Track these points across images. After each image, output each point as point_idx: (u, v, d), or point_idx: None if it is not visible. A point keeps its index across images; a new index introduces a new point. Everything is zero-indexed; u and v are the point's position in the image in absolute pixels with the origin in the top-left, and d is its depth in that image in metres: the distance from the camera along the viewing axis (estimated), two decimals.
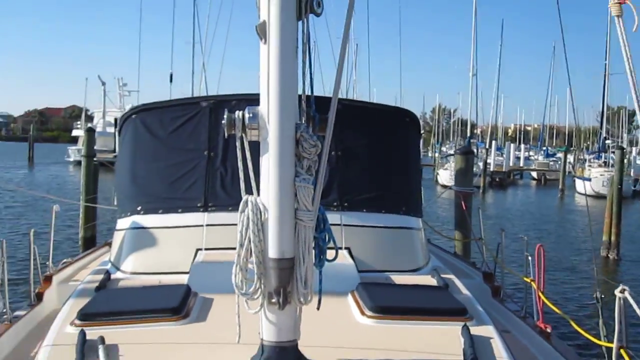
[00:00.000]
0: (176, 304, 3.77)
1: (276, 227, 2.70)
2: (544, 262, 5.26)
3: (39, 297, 5.55)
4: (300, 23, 2.71)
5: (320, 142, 2.72)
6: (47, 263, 6.37)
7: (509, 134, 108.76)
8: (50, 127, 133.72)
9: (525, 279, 5.61)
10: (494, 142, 55.82)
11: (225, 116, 2.77)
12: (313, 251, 2.80)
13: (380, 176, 5.63)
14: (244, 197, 2.78)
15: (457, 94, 63.52)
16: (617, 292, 3.82)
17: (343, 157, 5.48)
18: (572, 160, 55.41)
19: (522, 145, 70.97)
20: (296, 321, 2.83)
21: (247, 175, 2.83)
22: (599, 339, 4.61)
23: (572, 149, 68.04)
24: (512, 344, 4.98)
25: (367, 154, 5.66)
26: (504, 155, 55.21)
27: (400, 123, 6.02)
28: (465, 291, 4.61)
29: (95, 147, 16.13)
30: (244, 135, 2.76)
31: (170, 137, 5.57)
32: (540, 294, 5.14)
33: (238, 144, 2.79)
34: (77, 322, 3.61)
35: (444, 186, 37.26)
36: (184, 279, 4.44)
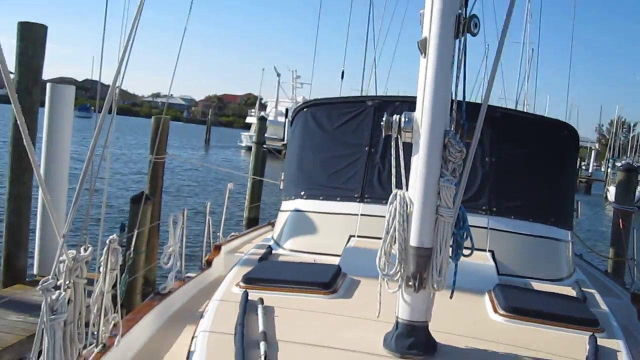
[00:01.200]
0: (327, 280, 4.23)
1: (419, 220, 3.06)
2: None
3: (209, 263, 6.31)
4: (457, 41, 3.04)
5: (465, 148, 3.04)
6: (218, 234, 7.15)
7: None
8: (226, 112, 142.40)
9: None
10: None
11: (384, 118, 3.18)
12: (450, 245, 3.13)
13: (532, 186, 5.73)
14: (394, 190, 3.17)
15: None
16: None
17: (497, 164, 5.67)
18: None
19: None
20: (429, 305, 3.17)
21: (398, 172, 3.21)
22: None
23: None
24: None
25: (520, 163, 5.79)
26: None
27: (558, 136, 6.08)
28: (604, 306, 4.63)
29: (265, 135, 17.31)
30: (399, 136, 3.15)
31: (336, 131, 6.06)
32: None
33: (393, 143, 3.19)
34: (242, 284, 4.20)
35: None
36: (335, 261, 4.90)
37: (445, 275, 3.12)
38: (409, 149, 3.17)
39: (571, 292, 4.86)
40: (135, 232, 4.53)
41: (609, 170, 55.37)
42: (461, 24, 3.01)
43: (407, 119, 3.11)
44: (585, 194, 52.74)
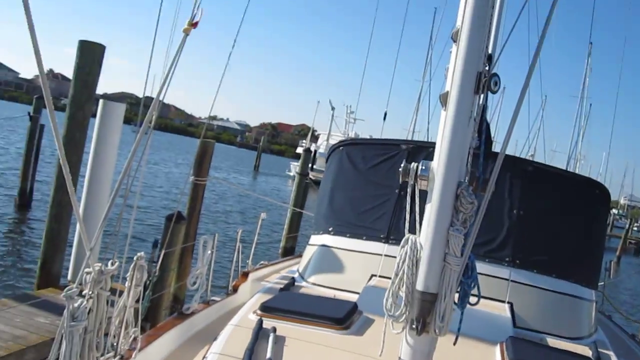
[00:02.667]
0: (341, 315, 4.33)
1: (426, 265, 3.15)
2: None
3: (235, 289, 6.47)
4: (477, 97, 3.16)
5: (477, 201, 3.14)
6: (247, 261, 7.33)
7: None
8: (279, 140, 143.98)
9: None
10: None
11: (402, 165, 3.31)
12: (456, 292, 3.21)
13: (558, 242, 5.72)
14: (407, 235, 3.28)
15: None
16: None
17: (524, 217, 5.69)
18: None
19: None
20: (430, 349, 3.24)
21: (412, 217, 3.32)
22: None
23: None
24: None
25: (548, 218, 5.78)
26: None
27: (589, 194, 6.07)
28: None
29: (315, 166, 17.60)
30: (415, 183, 3.27)
31: (369, 171, 6.19)
32: None
33: (409, 190, 3.31)
34: (259, 312, 4.34)
35: None
36: (354, 298, 5.01)
37: (449, 321, 3.19)
38: (425, 195, 3.28)
39: (587, 351, 4.83)
40: (163, 251, 4.68)
41: None
42: (482, 82, 3.13)
43: (424, 167, 3.23)
44: (635, 255, 51.26)
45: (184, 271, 8.48)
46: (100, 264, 3.24)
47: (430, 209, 3.16)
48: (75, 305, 2.95)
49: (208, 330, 5.33)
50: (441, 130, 3.17)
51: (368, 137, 75.43)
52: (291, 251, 14.88)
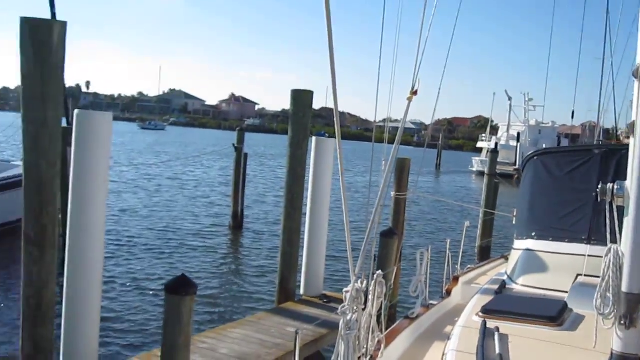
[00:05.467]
0: (554, 314, 4.89)
1: (629, 269, 3.71)
2: None
3: (448, 292, 7.24)
4: None
5: None
6: (456, 267, 8.05)
7: None
8: (456, 135, 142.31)
9: None
10: None
11: (599, 187, 3.89)
12: None
13: None
14: (609, 245, 3.85)
15: None
16: None
17: None
18: None
19: None
20: (639, 341, 3.79)
21: (613, 230, 3.88)
22: None
23: None
24: None
25: None
26: None
27: None
28: None
29: (498, 159, 17.84)
30: (612, 201, 3.85)
31: (565, 177, 6.63)
32: None
33: (607, 207, 3.88)
34: (481, 314, 5.04)
35: None
36: (563, 296, 5.54)
37: None
38: (622, 208, 3.85)
39: None
40: (394, 268, 5.52)
41: None
42: None
43: (619, 187, 3.81)
44: None
45: (395, 280, 9.46)
46: (358, 284, 4.19)
47: (628, 222, 3.73)
48: (348, 318, 3.92)
49: (433, 330, 6.18)
50: (632, 156, 3.72)
51: (550, 123, 71.28)
52: (487, 251, 15.31)
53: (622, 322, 3.76)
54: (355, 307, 4.12)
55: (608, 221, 3.91)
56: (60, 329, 6.59)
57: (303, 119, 8.89)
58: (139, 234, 17.94)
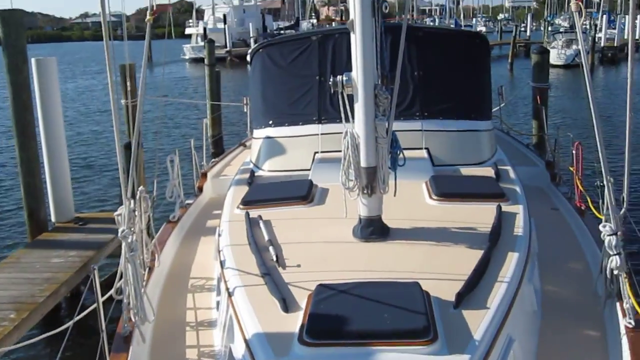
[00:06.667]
0: (304, 193, 5.53)
1: (364, 147, 4.40)
2: (582, 155, 6.59)
3: (200, 189, 7.65)
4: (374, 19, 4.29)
5: (389, 94, 4.35)
6: (202, 163, 8.42)
7: None
8: (161, 23, 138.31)
9: (570, 168, 6.98)
10: (604, 16, 52.88)
11: (331, 80, 4.42)
12: (388, 161, 4.49)
13: (454, 89, 6.97)
14: (345, 127, 4.45)
15: None
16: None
17: (424, 76, 6.87)
18: None
19: None
20: (379, 204, 4.55)
21: (346, 113, 4.48)
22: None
23: None
24: (556, 219, 6.49)
25: (443, 72, 7.00)
26: (616, 28, 52.20)
27: (471, 45, 7.34)
28: (514, 179, 5.92)
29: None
30: (343, 90, 4.43)
31: (290, 66, 7.14)
32: (577, 180, 6.56)
33: (340, 97, 4.45)
34: (242, 206, 5.45)
35: (553, 65, 36.14)
36: (307, 175, 6.18)
37: (387, 182, 4.50)
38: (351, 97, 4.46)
39: (490, 171, 6.13)
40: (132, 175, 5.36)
41: (548, 29, 56.51)
42: (375, 7, 4.26)
43: (347, 78, 4.38)
44: (526, 57, 54.00)
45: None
46: (128, 205, 4.33)
47: (358, 108, 4.37)
48: (129, 240, 4.10)
49: (197, 227, 6.68)
50: (354, 51, 4.31)
51: (252, 1, 72.97)
52: (220, 142, 15.82)
53: (365, 191, 4.50)
54: (132, 228, 4.30)
55: (341, 108, 4.46)
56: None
57: (17, 42, 8.15)
58: None
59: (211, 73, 16.77)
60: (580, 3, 4.35)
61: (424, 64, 6.94)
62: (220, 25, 61.68)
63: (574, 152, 6.79)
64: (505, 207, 5.05)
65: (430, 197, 5.41)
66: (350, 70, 4.40)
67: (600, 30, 51.07)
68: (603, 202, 4.46)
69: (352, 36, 4.32)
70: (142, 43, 4.80)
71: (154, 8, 4.99)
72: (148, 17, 4.65)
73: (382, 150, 4.42)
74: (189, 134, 20.13)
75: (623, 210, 4.33)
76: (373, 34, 4.31)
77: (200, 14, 74.07)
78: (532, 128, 12.61)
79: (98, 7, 4.10)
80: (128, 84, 10.73)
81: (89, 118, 28.01)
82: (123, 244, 4.12)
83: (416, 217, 4.98)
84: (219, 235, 5.15)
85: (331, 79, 4.45)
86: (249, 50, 8.18)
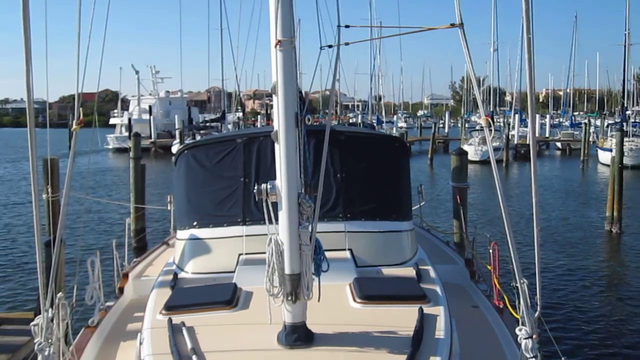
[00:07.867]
0: (229, 297, 5.46)
1: (289, 254, 4.45)
2: (498, 254, 6.88)
3: (121, 290, 7.41)
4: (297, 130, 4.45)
5: (313, 202, 4.46)
6: (124, 264, 8.22)
7: (541, 100, 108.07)
8: (85, 111, 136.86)
9: (488, 267, 7.22)
10: (517, 115, 55.98)
11: (255, 187, 4.50)
12: (312, 267, 4.55)
13: (375, 191, 7.16)
14: (269, 236, 4.51)
15: (485, 63, 62.60)
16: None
17: (346, 178, 7.04)
18: (600, 126, 55.47)
19: (548, 116, 70.33)
20: (304, 310, 4.56)
21: (270, 220, 4.54)
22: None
23: (604, 112, 67.34)
24: (476, 317, 6.63)
25: (364, 175, 7.20)
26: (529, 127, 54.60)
27: (391, 147, 7.66)
28: (435, 279, 6.06)
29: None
30: (267, 198, 4.51)
31: (215, 167, 7.15)
32: (494, 279, 6.78)
33: (264, 204, 4.53)
34: (164, 312, 5.30)
35: (471, 161, 37.35)
36: (231, 277, 6.13)
37: (312, 288, 4.54)
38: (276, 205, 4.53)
39: (411, 272, 6.25)
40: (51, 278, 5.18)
41: (465, 126, 59.24)
42: (299, 120, 4.42)
43: (271, 186, 4.47)
44: (444, 153, 56.30)
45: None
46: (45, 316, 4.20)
47: (283, 215, 4.45)
48: (46, 353, 3.94)
49: (117, 332, 6.41)
50: (278, 163, 4.42)
51: (178, 93, 73.77)
52: (144, 238, 15.54)
53: (289, 298, 4.51)
54: (50, 340, 4.14)
55: (266, 215, 4.53)
56: None
57: None
58: None
59: (136, 166, 16.67)
60: (489, 119, 4.67)
61: (346, 167, 7.11)
62: (146, 116, 61.85)
63: (490, 251, 7.03)
64: (427, 309, 5.13)
65: (354, 299, 5.45)
66: (274, 173, 4.50)
67: (514, 127, 54.09)
68: (519, 303, 4.62)
69: (277, 146, 4.45)
70: (64, 131, 4.77)
71: (80, 113, 4.98)
72: (74, 126, 4.63)
73: (305, 257, 4.48)
74: (111, 230, 19.68)
75: (537, 312, 4.51)
76: (297, 144, 4.46)
77: (125, 104, 74.15)
78: (452, 226, 13.07)
79: (19, 94, 4.09)
80: (50, 179, 10.51)
81: (6, 209, 26.97)
82: (39, 357, 3.97)
83: (340, 321, 4.99)
84: (140, 343, 4.99)
85: (255, 187, 4.53)
86: (174, 150, 8.22)
